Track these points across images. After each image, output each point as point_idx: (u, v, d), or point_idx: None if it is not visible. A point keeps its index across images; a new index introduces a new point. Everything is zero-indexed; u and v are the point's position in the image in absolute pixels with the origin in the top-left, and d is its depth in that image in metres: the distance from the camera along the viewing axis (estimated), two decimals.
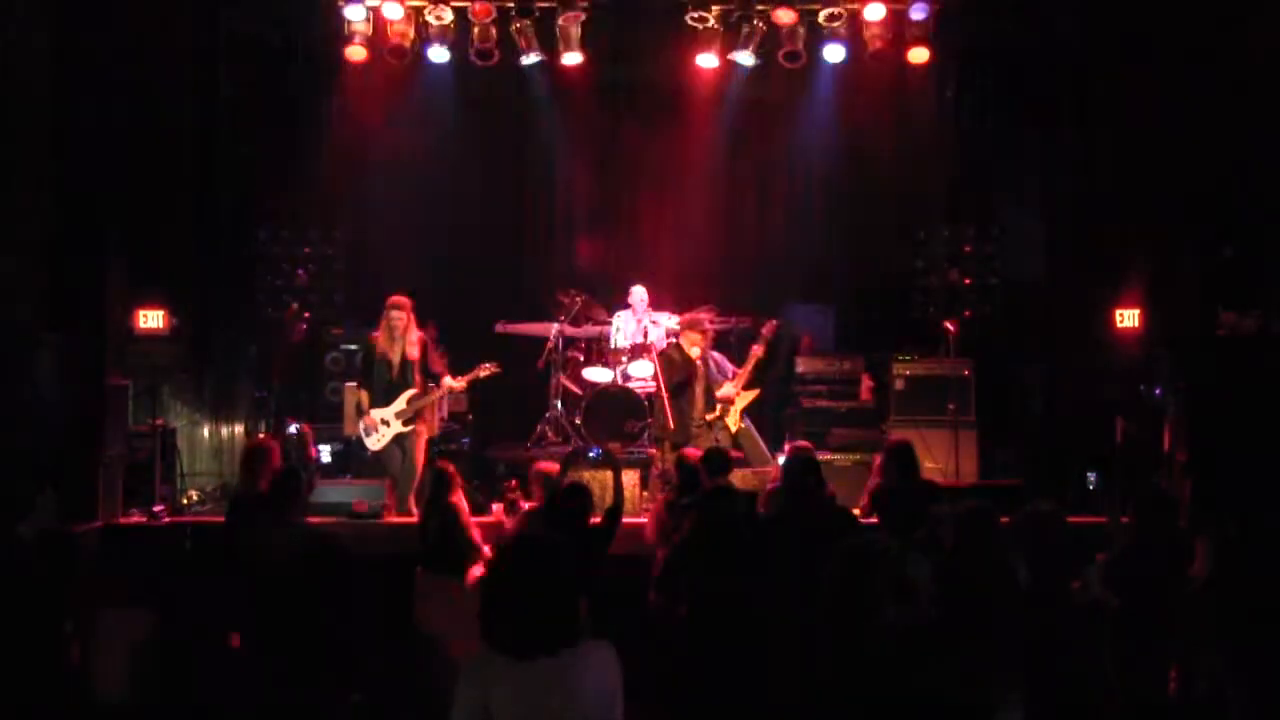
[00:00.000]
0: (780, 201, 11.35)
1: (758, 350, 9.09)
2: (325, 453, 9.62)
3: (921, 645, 3.82)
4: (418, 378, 8.52)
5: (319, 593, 5.27)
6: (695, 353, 8.97)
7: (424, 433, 8.67)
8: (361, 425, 8.55)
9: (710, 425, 8.93)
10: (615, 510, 6.22)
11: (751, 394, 9.07)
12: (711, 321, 9.42)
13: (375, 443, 8.50)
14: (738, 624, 4.79)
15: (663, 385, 8.93)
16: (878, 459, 7.30)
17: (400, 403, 8.47)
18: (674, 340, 9.45)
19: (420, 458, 8.56)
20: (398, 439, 8.49)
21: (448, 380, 8.60)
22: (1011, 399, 10.22)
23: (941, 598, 4.42)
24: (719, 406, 8.96)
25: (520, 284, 11.16)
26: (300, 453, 9.26)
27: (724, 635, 4.76)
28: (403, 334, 8.48)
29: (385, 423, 8.47)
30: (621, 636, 3.52)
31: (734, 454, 8.75)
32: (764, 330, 9.22)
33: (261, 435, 9.66)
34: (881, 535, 5.37)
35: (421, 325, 8.73)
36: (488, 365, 8.76)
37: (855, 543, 5.24)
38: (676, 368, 8.98)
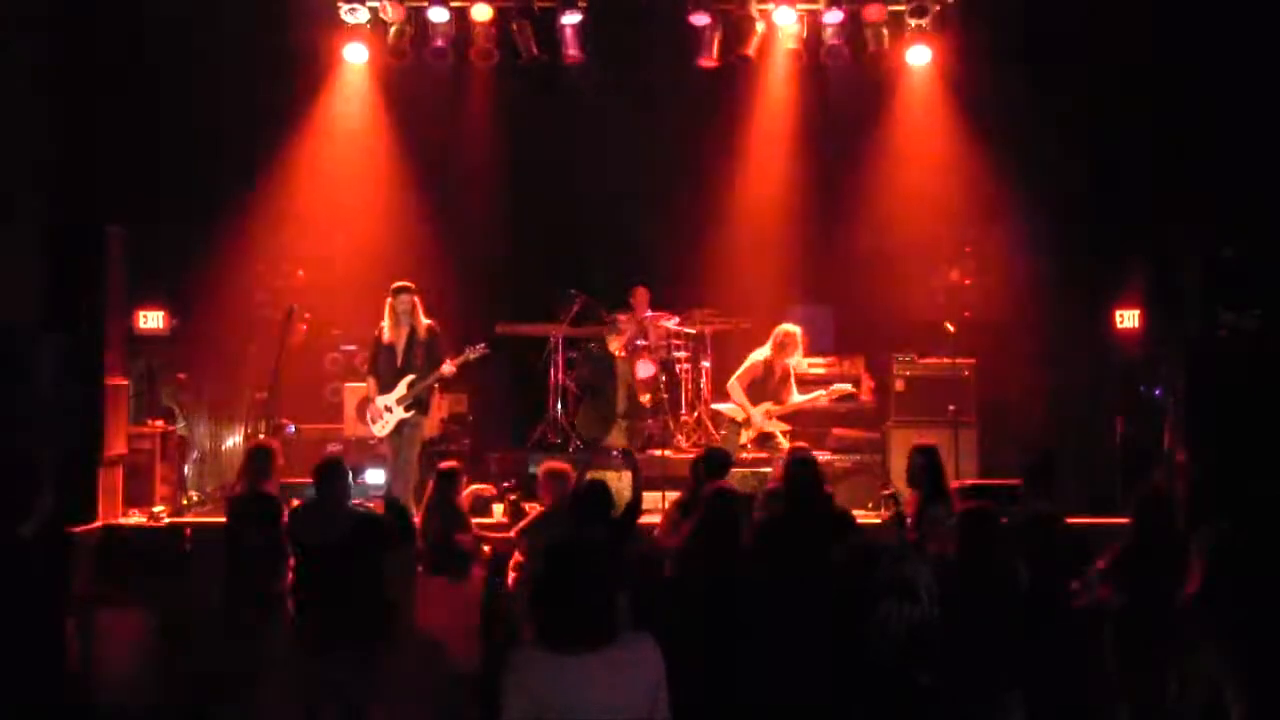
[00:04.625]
0: (780, 201, 11.33)
1: (817, 401, 9.13)
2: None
3: (922, 645, 3.82)
4: (421, 363, 8.44)
5: (369, 564, 5.69)
6: (619, 352, 8.96)
7: (425, 426, 8.63)
8: (368, 414, 8.56)
9: (628, 421, 8.88)
10: (634, 506, 6.23)
11: (783, 427, 9.02)
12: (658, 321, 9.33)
13: (381, 429, 8.49)
14: (738, 624, 4.79)
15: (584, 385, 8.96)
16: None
17: (401, 388, 8.42)
18: (599, 340, 9.39)
19: (415, 451, 8.49)
20: (399, 426, 8.45)
21: (444, 366, 8.51)
22: (1011, 399, 10.21)
23: (942, 598, 4.41)
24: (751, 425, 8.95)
25: (520, 284, 11.15)
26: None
27: (725, 636, 4.75)
28: (408, 318, 8.45)
29: (389, 409, 8.45)
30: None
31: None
32: (843, 386, 9.34)
33: (262, 436, 9.65)
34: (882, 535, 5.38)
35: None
36: (476, 347, 8.64)
37: (855, 543, 5.24)
38: (589, 368, 8.96)
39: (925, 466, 6.51)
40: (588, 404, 8.93)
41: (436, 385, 8.77)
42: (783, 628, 4.71)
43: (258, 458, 6.54)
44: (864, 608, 3.84)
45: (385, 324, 8.51)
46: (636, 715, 3.29)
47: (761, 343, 9.15)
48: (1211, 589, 5.07)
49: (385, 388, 8.47)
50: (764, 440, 8.91)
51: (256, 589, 6.13)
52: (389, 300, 8.48)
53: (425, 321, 8.51)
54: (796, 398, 9.03)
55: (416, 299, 8.50)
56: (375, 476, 8.69)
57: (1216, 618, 5.04)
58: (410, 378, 8.41)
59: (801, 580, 4.81)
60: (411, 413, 8.43)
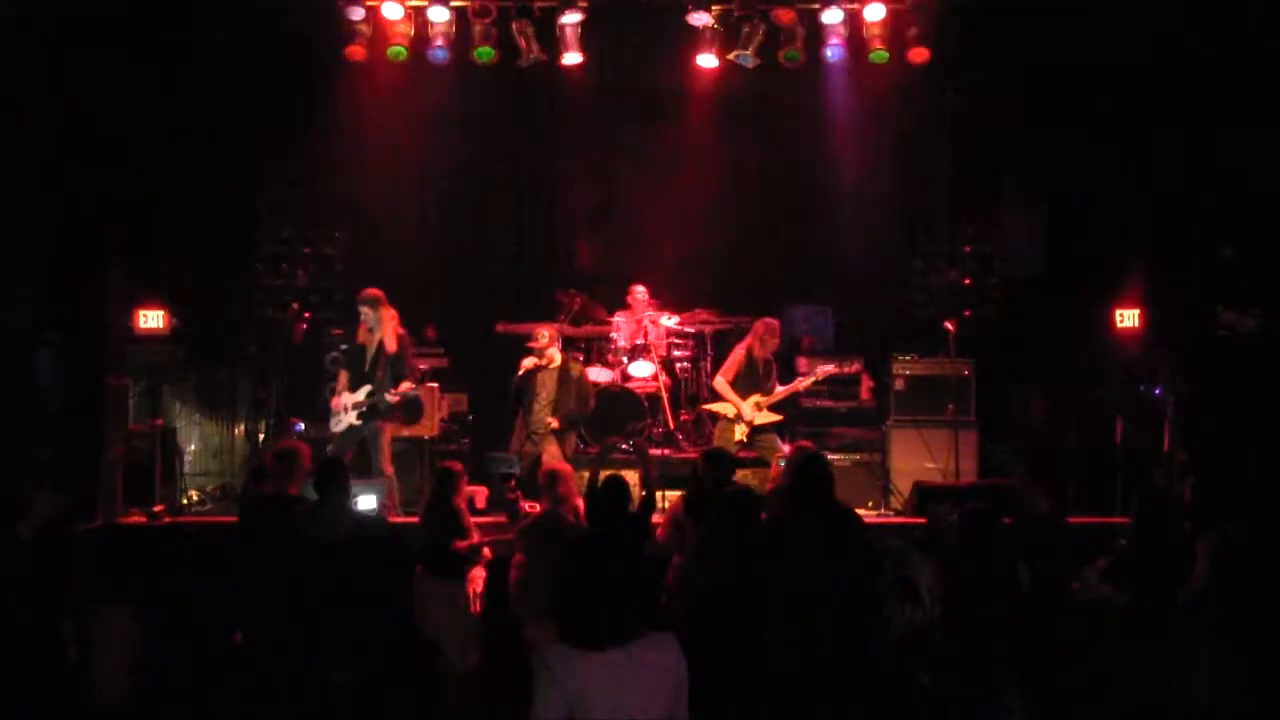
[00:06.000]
0: (780, 201, 11.34)
1: (804, 383, 9.12)
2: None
3: (924, 645, 3.82)
4: (382, 374, 8.28)
5: (368, 571, 5.60)
6: (529, 362, 8.84)
7: (388, 430, 8.44)
8: (331, 405, 8.48)
9: (541, 437, 8.77)
10: (649, 501, 6.22)
11: (774, 417, 8.99)
12: (555, 331, 9.11)
13: (334, 424, 8.37)
14: (744, 625, 4.79)
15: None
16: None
17: (360, 394, 8.31)
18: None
19: (386, 454, 8.33)
20: (352, 432, 8.29)
21: (389, 394, 8.31)
22: (1011, 399, 10.21)
23: (944, 598, 4.41)
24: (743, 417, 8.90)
25: (520, 284, 11.15)
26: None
27: (730, 636, 4.75)
28: (376, 326, 8.33)
29: (345, 409, 8.34)
30: None
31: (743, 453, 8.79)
32: (828, 367, 9.26)
33: (263, 435, 9.65)
34: (883, 536, 5.37)
35: (421, 328, 8.67)
36: (419, 385, 8.55)
37: (858, 543, 5.24)
38: (515, 378, 8.94)
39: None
40: (520, 416, 8.93)
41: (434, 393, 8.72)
42: (789, 626, 4.71)
43: (286, 459, 6.44)
44: (867, 609, 3.85)
45: (360, 328, 8.45)
46: (661, 713, 3.33)
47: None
48: (1213, 589, 5.08)
49: (353, 385, 8.38)
50: (757, 434, 8.90)
51: (271, 589, 6.11)
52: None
53: (393, 328, 8.36)
54: (783, 386, 9.04)
55: (376, 309, 8.34)
56: (368, 502, 8.55)
57: (1218, 617, 5.05)
58: (369, 387, 8.30)
59: (808, 579, 4.81)
60: (361, 421, 8.30)
